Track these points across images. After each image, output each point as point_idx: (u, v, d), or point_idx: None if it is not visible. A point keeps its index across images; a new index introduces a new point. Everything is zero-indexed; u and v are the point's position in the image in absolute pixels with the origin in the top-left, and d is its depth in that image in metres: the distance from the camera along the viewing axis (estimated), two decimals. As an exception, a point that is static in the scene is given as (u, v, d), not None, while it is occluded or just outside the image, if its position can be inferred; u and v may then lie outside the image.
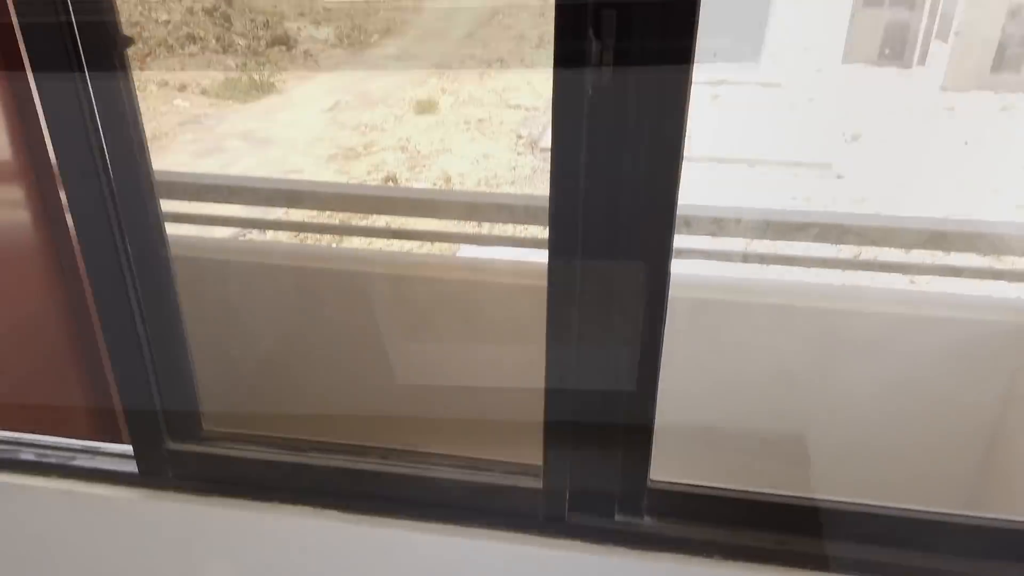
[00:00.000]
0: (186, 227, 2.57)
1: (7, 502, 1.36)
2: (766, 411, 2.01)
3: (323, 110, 12.79)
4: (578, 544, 1.21)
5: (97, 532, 1.37)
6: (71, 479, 1.33)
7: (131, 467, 1.32)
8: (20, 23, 1.02)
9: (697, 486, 1.21)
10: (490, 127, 11.31)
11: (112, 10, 1.04)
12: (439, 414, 1.81)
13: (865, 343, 1.97)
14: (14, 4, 1.01)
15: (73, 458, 1.35)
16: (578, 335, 1.12)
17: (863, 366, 1.97)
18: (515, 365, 1.60)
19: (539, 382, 1.18)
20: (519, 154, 10.41)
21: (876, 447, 1.99)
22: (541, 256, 1.16)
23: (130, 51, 1.06)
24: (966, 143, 11.81)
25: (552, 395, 1.17)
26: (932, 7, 14.70)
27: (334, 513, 1.25)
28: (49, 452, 1.37)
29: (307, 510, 1.26)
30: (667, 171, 1.02)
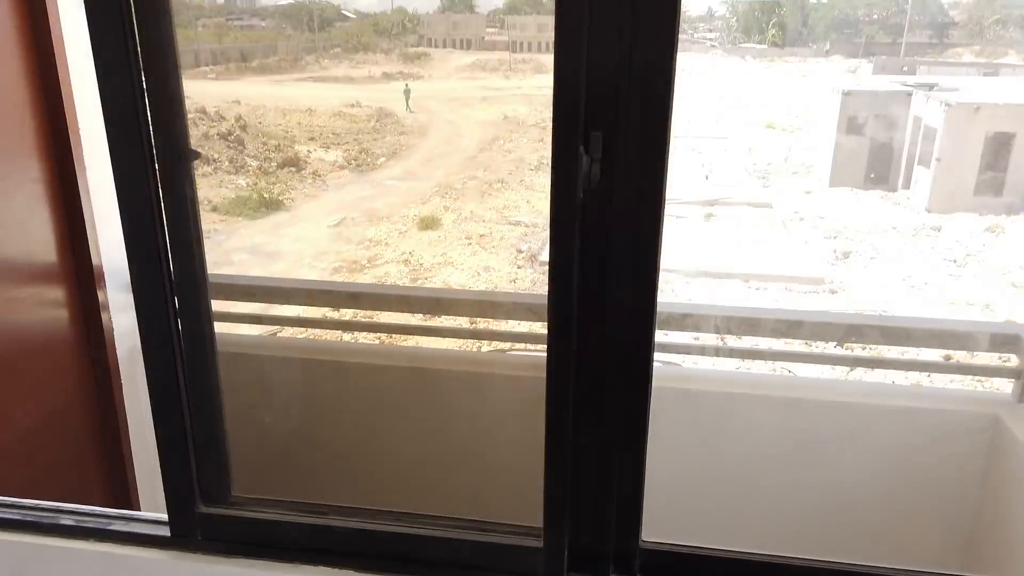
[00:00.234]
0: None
1: (49, 563, 1.47)
2: (752, 494, 2.12)
3: (329, 226, 13.25)
4: (576, 601, 1.31)
5: (130, 591, 1.47)
6: (108, 542, 1.44)
7: (163, 531, 1.43)
8: (109, 135, 1.22)
9: (687, 546, 1.33)
10: (491, 242, 11.69)
11: (185, 131, 1.25)
12: (448, 482, 1.93)
13: (847, 432, 2.11)
14: (107, 125, 1.22)
15: (110, 523, 1.47)
16: (573, 423, 1.27)
17: (845, 454, 2.10)
18: (518, 441, 1.73)
19: (539, 455, 1.32)
20: (519, 267, 10.73)
21: (859, 531, 2.08)
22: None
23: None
24: (955, 261, 12.19)
25: (551, 468, 1.30)
26: (913, 135, 15.49)
27: (350, 573, 1.36)
28: (87, 518, 1.49)
29: (326, 570, 1.36)
30: (648, 262, 1.20)
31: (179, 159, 1.25)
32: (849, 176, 16.32)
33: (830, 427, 2.12)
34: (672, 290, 9.79)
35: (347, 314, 2.79)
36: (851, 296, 10.85)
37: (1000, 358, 2.29)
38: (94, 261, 2.31)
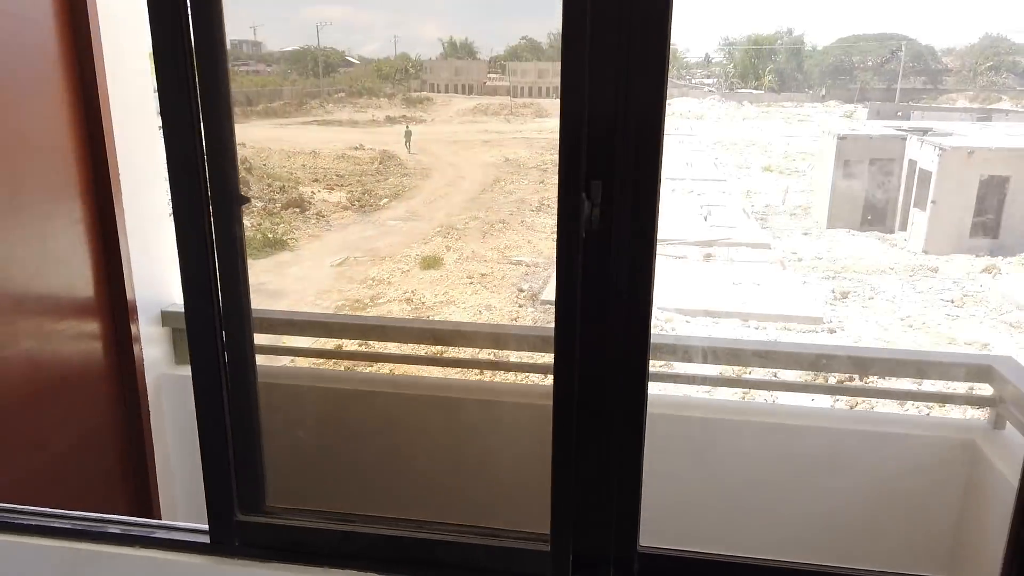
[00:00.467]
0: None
1: (98, 567, 1.60)
2: (739, 512, 2.26)
3: (332, 265, 13.41)
4: (580, 601, 1.45)
5: (173, 593, 1.60)
6: (152, 548, 1.58)
7: (203, 538, 1.57)
8: (172, 182, 1.40)
9: (682, 551, 1.47)
10: (492, 281, 11.84)
11: (236, 177, 1.43)
12: (463, 494, 2.07)
13: (830, 455, 2.25)
14: (170, 173, 1.39)
15: (153, 532, 1.61)
16: (577, 440, 1.42)
17: (828, 476, 2.24)
18: (525, 457, 1.87)
19: (544, 470, 1.47)
20: (520, 306, 10.86)
21: (841, 547, 2.21)
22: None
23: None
24: (952, 301, 12.34)
25: (557, 481, 1.45)
26: (908, 178, 15.78)
27: (373, 575, 1.50)
28: (133, 527, 1.63)
29: (353, 573, 1.50)
30: (642, 296, 1.36)
31: (230, 203, 1.43)
32: (846, 218, 16.59)
33: (815, 451, 2.26)
34: (672, 328, 9.92)
35: (360, 345, 2.95)
36: (850, 335, 10.95)
37: (972, 388, 2.44)
38: (128, 296, 2.48)
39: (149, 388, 2.58)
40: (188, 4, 1.33)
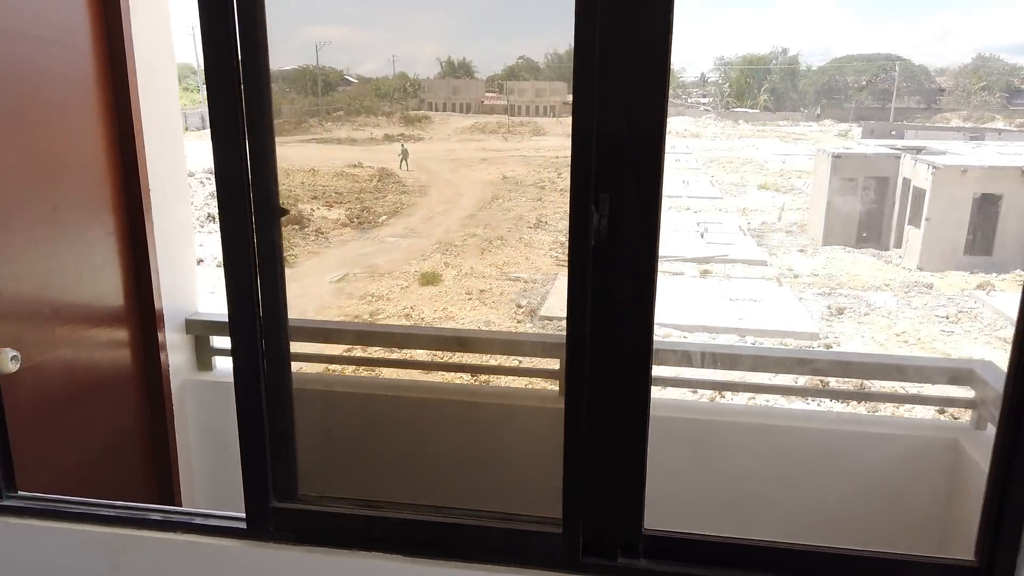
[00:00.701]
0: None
1: (141, 551, 1.73)
2: (734, 507, 2.39)
3: (332, 281, 13.51)
4: (589, 580, 1.58)
5: (211, 573, 1.73)
6: (192, 534, 1.71)
7: (240, 524, 1.70)
8: (219, 194, 1.54)
9: (687, 533, 1.60)
10: (491, 297, 11.93)
11: (276, 189, 1.57)
12: (481, 482, 2.21)
13: (819, 454, 2.39)
14: (217, 185, 1.53)
15: (192, 519, 1.74)
16: (586, 433, 1.55)
17: (817, 475, 2.37)
18: (537, 449, 2.00)
19: (556, 460, 1.60)
20: (519, 321, 10.97)
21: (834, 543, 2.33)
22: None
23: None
24: (948, 317, 12.49)
25: (568, 469, 1.58)
26: (903, 196, 15.98)
27: (398, 557, 1.62)
28: (173, 515, 1.75)
29: (379, 555, 1.63)
30: (645, 300, 1.50)
31: (271, 213, 1.57)
32: (841, 235, 16.77)
33: (807, 450, 2.39)
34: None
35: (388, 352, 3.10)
36: (846, 351, 11.07)
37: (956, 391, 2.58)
38: (156, 306, 2.61)
39: (173, 392, 2.71)
40: (237, 29, 1.47)
